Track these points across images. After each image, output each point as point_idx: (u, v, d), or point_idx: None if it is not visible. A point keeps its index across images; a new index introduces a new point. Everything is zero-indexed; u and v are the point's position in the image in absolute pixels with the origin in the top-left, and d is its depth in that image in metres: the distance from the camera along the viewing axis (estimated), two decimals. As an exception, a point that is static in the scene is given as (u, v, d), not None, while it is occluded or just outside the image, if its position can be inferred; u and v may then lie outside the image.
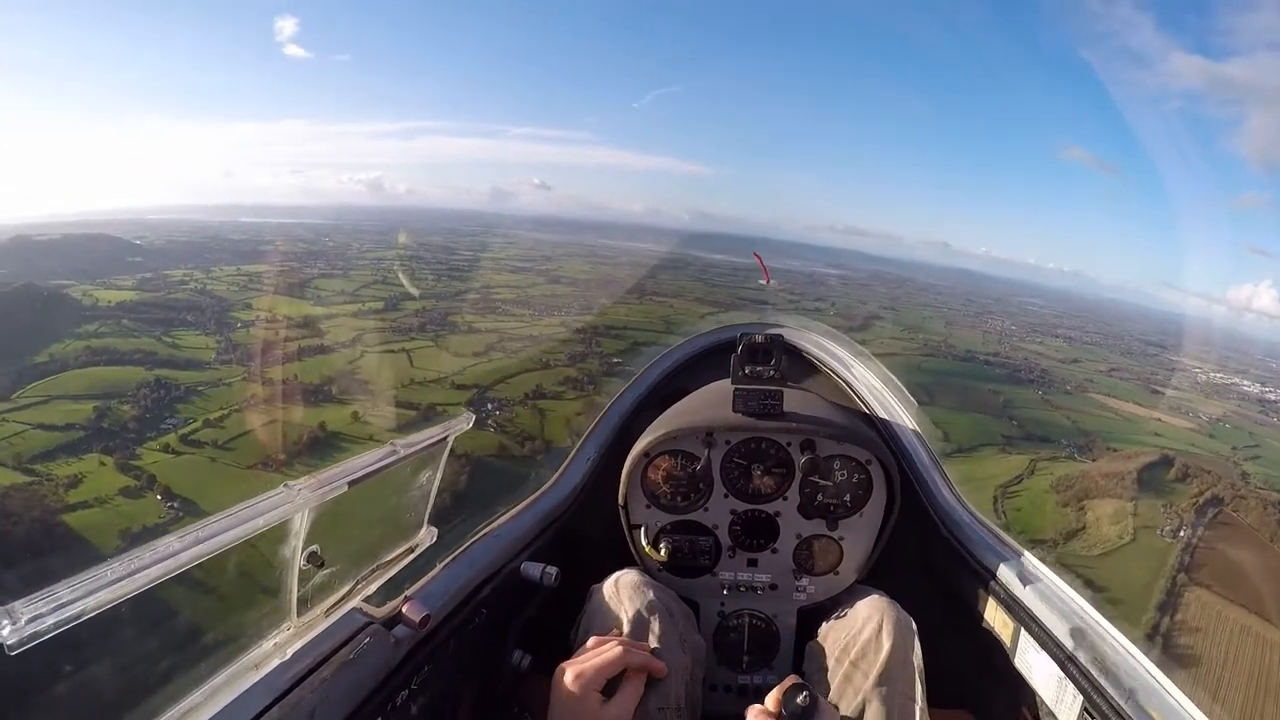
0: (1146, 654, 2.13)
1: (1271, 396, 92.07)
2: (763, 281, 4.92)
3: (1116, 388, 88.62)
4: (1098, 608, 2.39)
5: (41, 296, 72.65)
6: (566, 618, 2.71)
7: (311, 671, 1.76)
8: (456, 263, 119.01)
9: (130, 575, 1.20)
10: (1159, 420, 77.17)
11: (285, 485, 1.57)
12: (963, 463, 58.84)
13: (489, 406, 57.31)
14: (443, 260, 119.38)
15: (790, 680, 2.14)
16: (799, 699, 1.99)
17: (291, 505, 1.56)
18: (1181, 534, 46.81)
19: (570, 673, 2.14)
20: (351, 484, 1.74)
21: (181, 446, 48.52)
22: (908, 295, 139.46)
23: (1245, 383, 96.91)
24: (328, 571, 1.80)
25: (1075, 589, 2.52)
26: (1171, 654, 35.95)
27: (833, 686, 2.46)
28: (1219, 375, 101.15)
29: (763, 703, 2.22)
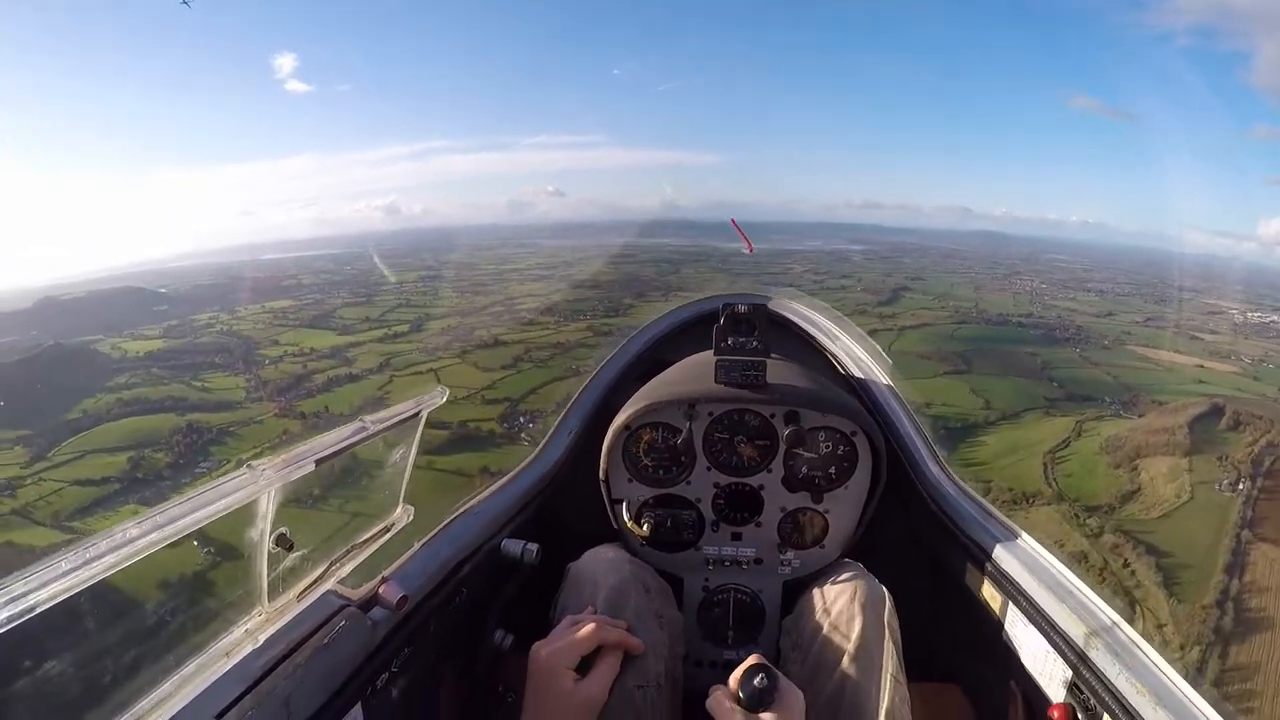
0: (1132, 623, 2.08)
1: None
2: (745, 250, 4.86)
3: (1154, 338, 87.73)
4: (1084, 579, 2.34)
5: (70, 355, 73.89)
6: (549, 595, 2.63)
7: (285, 657, 1.69)
8: (478, 277, 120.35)
9: (86, 564, 1.16)
10: (1201, 367, 76.44)
11: (248, 466, 1.52)
12: (1008, 429, 59.62)
13: (521, 420, 57.57)
14: (465, 276, 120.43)
15: (751, 660, 2.06)
16: (756, 680, 1.93)
17: (255, 487, 1.51)
18: (1240, 487, 46.18)
19: (544, 652, 2.13)
20: (319, 463, 1.68)
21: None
22: (933, 263, 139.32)
23: None
24: (298, 554, 1.76)
25: (1062, 561, 2.45)
26: (1243, 619, 35.57)
27: (808, 661, 2.43)
28: (1256, 314, 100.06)
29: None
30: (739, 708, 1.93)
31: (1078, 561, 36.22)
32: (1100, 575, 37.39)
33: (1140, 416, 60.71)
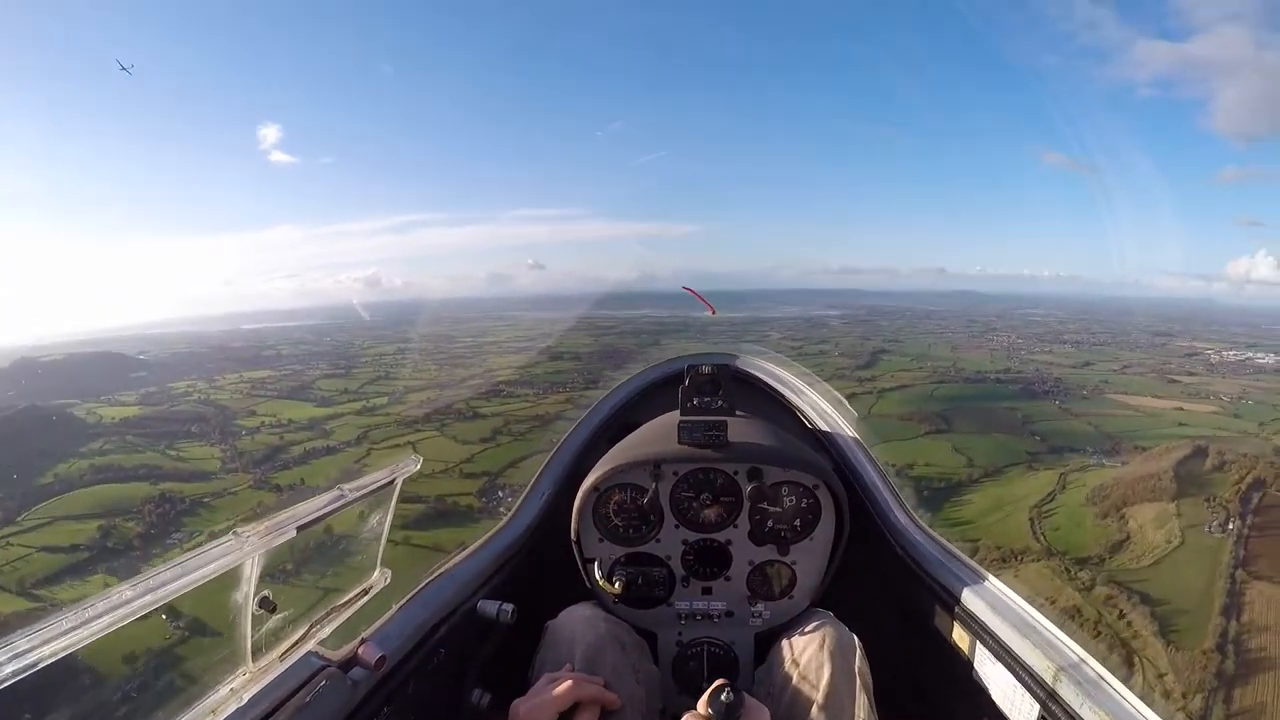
0: (1102, 660, 2.11)
1: None
2: (707, 313, 5.12)
3: (1132, 384, 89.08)
4: (1047, 615, 2.40)
5: (45, 418, 72.75)
6: (527, 654, 2.65)
7: (268, 716, 1.75)
8: (457, 350, 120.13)
9: (85, 624, 1.24)
10: (1181, 409, 77.39)
11: (234, 533, 1.59)
12: (992, 486, 59.31)
13: (500, 494, 56.64)
14: (444, 349, 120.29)
15: (718, 682, 2.08)
16: (723, 696, 1.98)
17: (240, 553, 1.58)
18: (1230, 526, 46.14)
19: (522, 709, 2.15)
20: (300, 529, 1.75)
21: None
22: (909, 325, 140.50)
23: (1259, 355, 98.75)
24: (281, 616, 1.80)
25: (1025, 599, 2.51)
26: (1244, 661, 35.14)
27: (780, 711, 2.44)
28: (1231, 353, 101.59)
29: None
30: None
31: (1071, 616, 36.35)
32: (1095, 629, 36.98)
33: (1124, 464, 60.92)
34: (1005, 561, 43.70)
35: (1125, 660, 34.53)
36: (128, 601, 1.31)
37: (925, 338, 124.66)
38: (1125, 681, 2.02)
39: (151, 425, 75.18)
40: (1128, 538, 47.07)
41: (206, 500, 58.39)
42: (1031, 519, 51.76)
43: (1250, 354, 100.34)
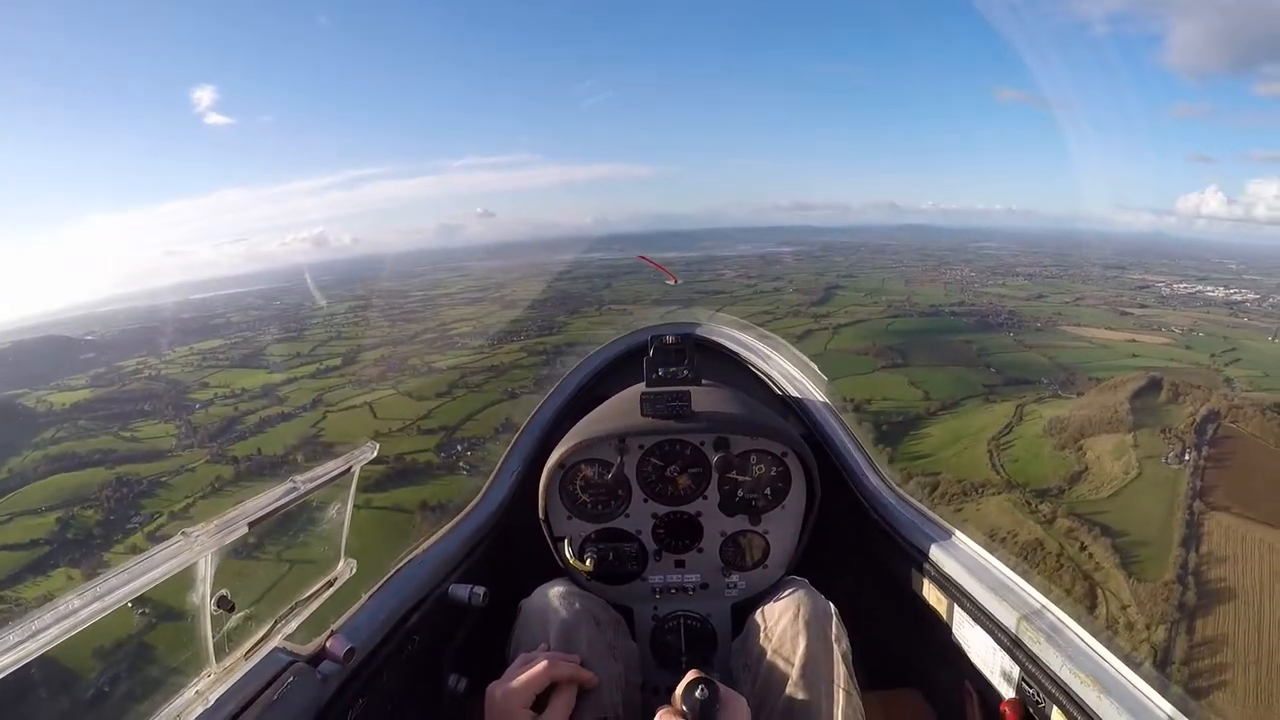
0: (1078, 620, 2.16)
1: (1237, 298, 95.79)
2: (669, 282, 5.14)
3: (1085, 316, 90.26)
4: (1023, 575, 2.43)
5: None
6: (502, 637, 2.64)
7: (236, 716, 1.74)
8: (410, 305, 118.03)
9: (32, 637, 1.21)
10: (1133, 341, 78.48)
11: (182, 533, 1.57)
12: (950, 419, 59.61)
13: (459, 448, 56.00)
14: (396, 305, 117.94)
15: (690, 675, 2.05)
16: (697, 693, 1.95)
17: (190, 553, 1.56)
18: (1187, 457, 46.54)
19: (498, 693, 2.17)
20: (251, 525, 1.73)
21: (149, 545, 46.75)
22: (863, 260, 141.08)
23: (1209, 289, 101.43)
24: (242, 614, 1.79)
25: (1003, 560, 2.53)
26: (1205, 592, 35.51)
27: (758, 682, 2.44)
28: (1182, 286, 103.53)
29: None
30: None
31: (1034, 550, 37.39)
32: (1058, 561, 37.17)
33: (1079, 395, 61.60)
34: (966, 495, 43.75)
35: (1088, 593, 34.83)
36: (75, 611, 1.28)
37: (879, 272, 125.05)
38: (1096, 633, 2.07)
39: (103, 407, 72.52)
40: (1086, 469, 47.36)
41: (164, 479, 56.13)
42: (990, 451, 51.85)
43: (1201, 287, 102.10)
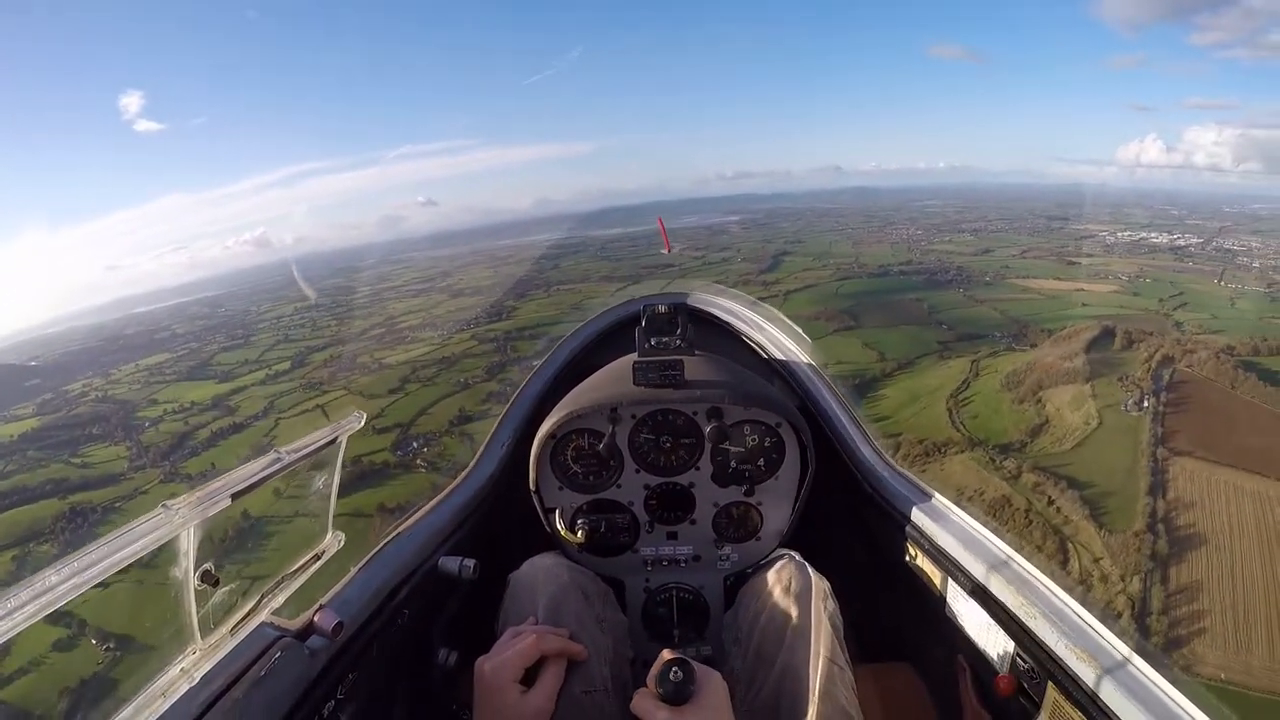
0: (1069, 591, 2.14)
1: (1181, 243, 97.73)
2: (664, 250, 5.02)
3: (1032, 268, 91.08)
4: (1016, 549, 2.39)
5: None
6: (492, 610, 2.59)
7: (224, 693, 1.70)
8: (357, 301, 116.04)
9: (8, 615, 1.21)
10: (1081, 290, 79.45)
11: (163, 505, 1.54)
12: (906, 379, 59.59)
13: (415, 445, 55.08)
14: (343, 302, 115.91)
15: (663, 656, 2.01)
16: (671, 674, 1.91)
17: (171, 526, 1.54)
18: (1146, 404, 46.80)
19: (487, 667, 2.15)
20: (235, 496, 1.71)
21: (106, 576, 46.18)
22: (809, 225, 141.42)
23: (1153, 235, 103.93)
24: (227, 589, 1.77)
25: (996, 533, 2.50)
26: (1176, 539, 35.60)
27: (748, 655, 2.45)
28: (1126, 234, 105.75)
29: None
30: (662, 706, 1.91)
31: (1002, 507, 37.40)
32: (1026, 517, 37.06)
33: (1033, 348, 61.97)
34: (929, 455, 43.53)
35: (1060, 548, 34.82)
36: (53, 588, 1.28)
37: (826, 236, 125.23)
38: (1092, 608, 2.04)
39: (52, 435, 69.87)
40: (1046, 421, 47.44)
41: (118, 505, 54.31)
42: (949, 409, 51.67)
43: (1145, 234, 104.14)
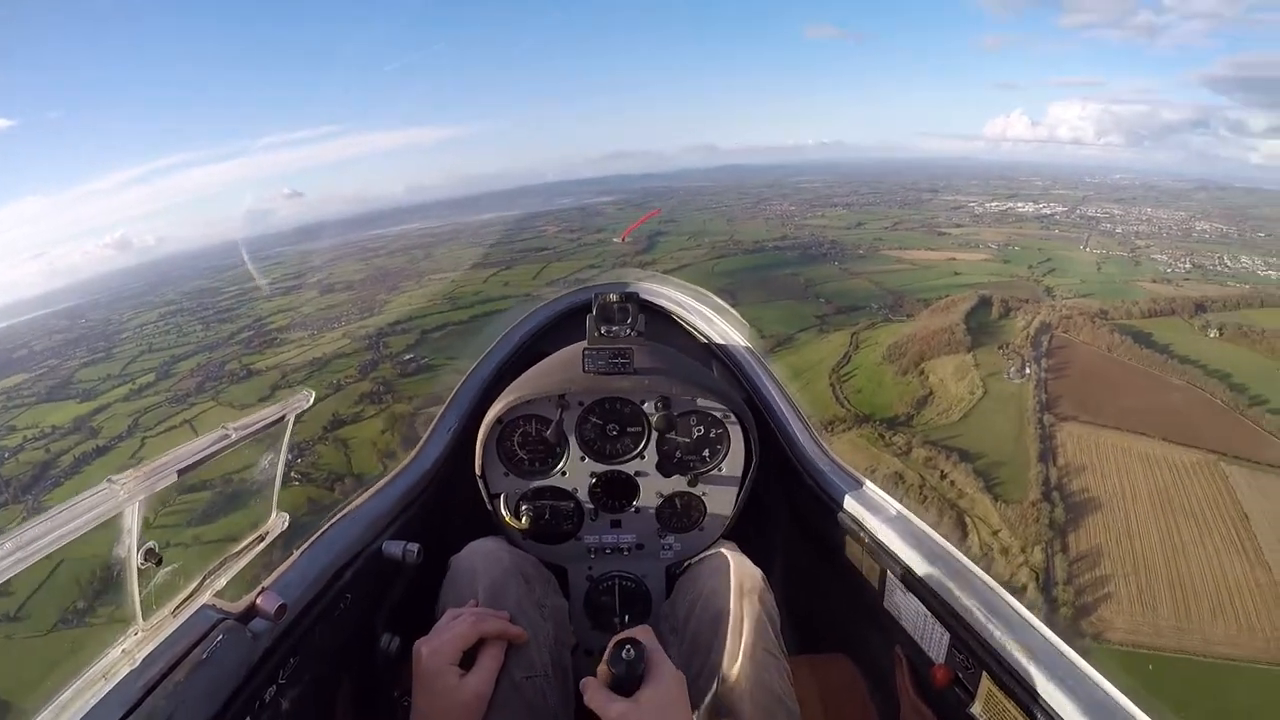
0: (1000, 582, 2.18)
1: (1046, 211, 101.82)
2: (616, 240, 5.70)
3: (905, 239, 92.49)
4: (956, 545, 2.41)
5: None
6: (435, 595, 2.60)
7: (165, 675, 1.69)
8: (223, 304, 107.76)
9: None
10: (954, 259, 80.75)
11: (108, 480, 1.50)
12: (786, 354, 58.43)
13: (289, 456, 50.09)
14: (208, 305, 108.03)
15: (616, 638, 1.98)
16: (623, 654, 1.90)
17: (115, 501, 1.49)
18: (1027, 371, 47.46)
19: (425, 650, 2.12)
20: (181, 473, 1.67)
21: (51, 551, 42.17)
22: (682, 204, 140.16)
23: (1020, 205, 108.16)
24: (169, 569, 1.72)
25: (934, 528, 2.52)
26: (1071, 505, 35.66)
27: (684, 644, 2.47)
28: (994, 204, 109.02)
29: None
30: (613, 693, 1.90)
31: (895, 484, 35.96)
32: (921, 493, 36.70)
33: (910, 318, 62.55)
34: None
35: (958, 522, 34.48)
36: None
37: (700, 214, 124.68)
38: (1024, 600, 2.08)
39: None
40: (931, 393, 47.44)
41: None
42: (833, 384, 51.19)
43: (1011, 204, 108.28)
